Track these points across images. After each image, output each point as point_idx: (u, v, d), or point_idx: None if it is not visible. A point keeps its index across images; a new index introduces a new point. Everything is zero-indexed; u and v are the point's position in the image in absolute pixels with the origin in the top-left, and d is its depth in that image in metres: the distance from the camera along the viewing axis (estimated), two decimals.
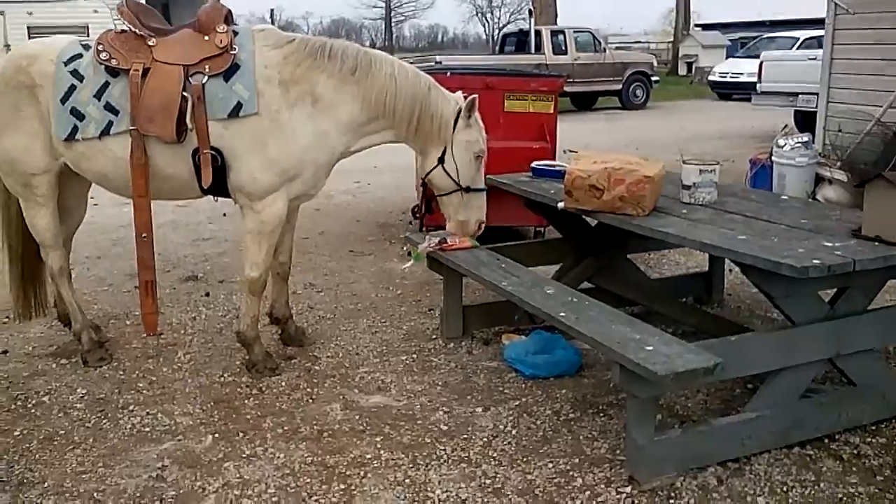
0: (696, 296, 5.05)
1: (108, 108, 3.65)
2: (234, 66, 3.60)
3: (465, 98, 3.89)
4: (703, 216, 3.63)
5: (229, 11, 3.80)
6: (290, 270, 4.37)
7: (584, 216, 3.96)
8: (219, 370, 4.07)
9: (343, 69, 3.71)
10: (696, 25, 40.03)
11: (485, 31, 60.83)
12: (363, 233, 7.11)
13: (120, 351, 4.34)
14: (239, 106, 3.57)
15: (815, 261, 2.82)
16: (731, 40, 35.29)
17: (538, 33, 19.06)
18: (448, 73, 6.15)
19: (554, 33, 19.26)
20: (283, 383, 3.91)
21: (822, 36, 20.18)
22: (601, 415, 3.56)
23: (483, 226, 4.13)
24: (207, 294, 5.29)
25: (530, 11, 21.25)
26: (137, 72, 3.58)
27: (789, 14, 36.30)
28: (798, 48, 18.32)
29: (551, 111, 6.26)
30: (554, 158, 6.21)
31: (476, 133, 3.93)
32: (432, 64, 15.11)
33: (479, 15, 53.61)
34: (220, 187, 3.74)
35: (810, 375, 3.27)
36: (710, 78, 23.67)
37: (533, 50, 18.84)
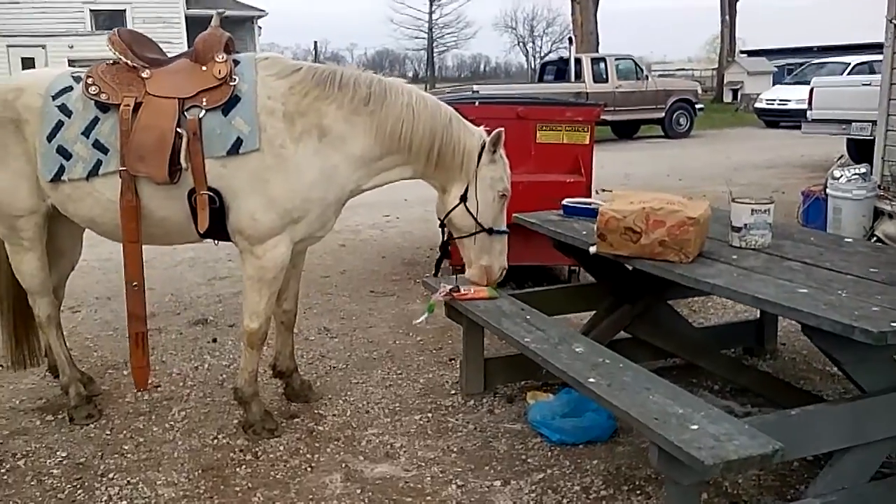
0: (746, 346, 4.56)
1: (97, 146, 3.33)
2: (234, 99, 3.27)
3: (489, 131, 3.52)
4: (756, 263, 3.17)
5: (230, 39, 3.47)
6: (295, 319, 3.99)
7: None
8: (213, 430, 3.70)
9: (355, 99, 3.37)
10: (742, 52, 39.24)
11: (526, 60, 60.70)
12: (387, 271, 6.73)
13: (111, 406, 3.99)
14: (239, 142, 3.23)
15: (893, 324, 2.34)
16: (777, 67, 34.49)
17: (578, 61, 18.66)
18: (476, 103, 5.78)
19: (594, 61, 18.84)
20: (282, 447, 3.51)
21: (875, 61, 19.60)
22: (637, 492, 3.09)
23: (505, 272, 3.72)
24: (215, 340, 4.95)
25: (570, 39, 20.91)
26: (128, 107, 3.26)
27: (836, 40, 35.50)
28: (849, 74, 17.68)
29: (587, 142, 5.83)
30: (589, 193, 5.79)
31: (501, 170, 3.57)
32: (469, 93, 14.84)
33: (521, 45, 53.52)
34: (218, 230, 3.40)
35: (883, 454, 2.78)
36: (757, 105, 23.03)
37: (573, 78, 18.45)
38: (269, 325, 3.59)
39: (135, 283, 3.50)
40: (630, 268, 3.78)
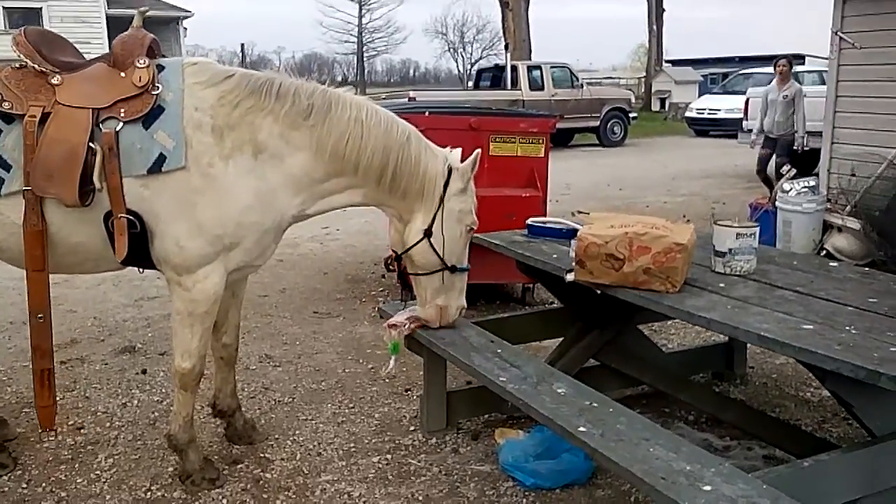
0: (716, 370, 4.36)
1: (0, 162, 2.88)
2: (157, 110, 2.85)
3: (454, 151, 3.19)
4: (748, 293, 2.94)
5: (154, 41, 3.04)
6: (236, 353, 3.58)
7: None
8: (146, 481, 3.28)
9: (293, 111, 2.96)
10: (667, 61, 39.99)
11: (457, 66, 60.66)
12: (330, 289, 6.34)
13: (29, 453, 3.52)
14: (162, 159, 2.82)
15: None
16: (702, 76, 35.26)
17: (514, 69, 18.57)
18: (426, 113, 5.46)
19: (530, 69, 18.79)
20: (225, 500, 3.13)
21: (800, 72, 20.05)
22: None
23: (464, 311, 3.41)
24: (144, 371, 4.49)
25: (506, 46, 20.81)
26: (34, 118, 2.80)
27: (755, 51, 36.47)
28: None
29: (542, 155, 5.59)
30: (545, 207, 5.55)
31: (470, 201, 3.21)
32: (405, 101, 14.53)
33: (451, 50, 53.41)
34: (142, 258, 2.98)
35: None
36: (687, 114, 23.37)
37: (509, 86, 18.34)
38: (204, 364, 3.17)
39: (40, 316, 3.04)
40: (599, 291, 3.52)
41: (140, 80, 2.87)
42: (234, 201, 2.90)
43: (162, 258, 2.96)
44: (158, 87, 2.87)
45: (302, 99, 2.98)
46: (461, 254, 3.25)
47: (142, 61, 2.90)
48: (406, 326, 3.37)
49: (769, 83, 18.79)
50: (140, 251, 2.92)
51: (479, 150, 3.19)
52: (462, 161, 3.18)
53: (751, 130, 12.67)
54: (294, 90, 2.99)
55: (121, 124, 2.82)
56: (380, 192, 3.10)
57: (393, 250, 3.32)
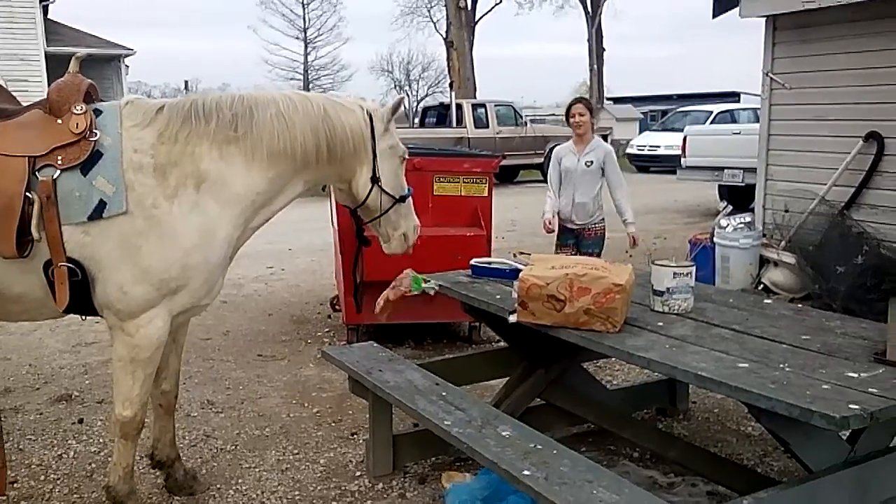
0: (660, 406, 4.42)
1: None
2: (96, 155, 2.81)
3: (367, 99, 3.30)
4: (685, 332, 3.00)
5: (91, 86, 3.00)
6: (176, 401, 3.51)
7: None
8: None
9: (221, 127, 2.96)
10: (608, 99, 40.93)
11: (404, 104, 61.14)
12: (275, 330, 6.26)
13: None
14: (102, 205, 2.78)
15: (852, 406, 2.19)
16: (642, 113, 36.17)
17: (459, 107, 18.79)
18: None
19: (475, 107, 19.04)
20: None
21: (735, 109, 20.66)
22: None
23: (419, 229, 3.56)
24: (81, 420, 4.35)
25: (451, 84, 21.06)
26: None
27: (691, 89, 37.63)
28: (712, 121, 18.60)
29: (486, 194, 5.65)
30: (490, 246, 5.59)
31: (395, 135, 3.37)
32: None
33: (398, 88, 53.81)
34: (84, 305, 2.92)
35: None
36: (628, 151, 23.86)
37: (454, 123, 18.53)
38: (145, 412, 3.11)
39: None
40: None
41: (77, 126, 2.83)
42: (180, 242, 2.87)
43: (104, 304, 2.90)
44: (96, 134, 2.83)
45: (225, 111, 3.00)
46: (402, 182, 3.43)
47: (79, 107, 2.87)
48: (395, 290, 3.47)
49: (705, 121, 19.31)
50: (82, 298, 2.86)
51: (401, 97, 3.46)
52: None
53: (689, 167, 13.11)
54: (216, 105, 3.01)
55: (58, 172, 2.77)
56: (319, 169, 3.19)
57: (346, 206, 3.48)
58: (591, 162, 5.64)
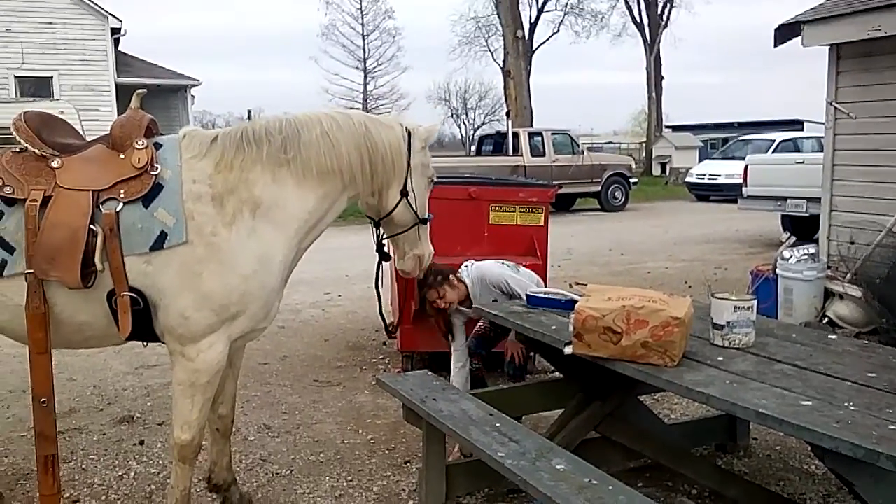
0: (720, 442, 4.31)
1: (2, 244, 2.88)
2: (156, 188, 2.90)
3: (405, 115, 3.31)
4: (746, 367, 2.93)
5: (152, 121, 3.11)
6: (232, 425, 3.56)
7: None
8: None
9: (272, 151, 3.04)
10: (667, 126, 40.56)
11: (460, 131, 61.40)
12: (331, 356, 6.32)
13: None
14: (164, 236, 2.86)
15: None
16: (702, 141, 35.72)
17: (515, 135, 18.82)
18: None
19: (531, 135, 19.06)
20: None
21: (799, 138, 20.26)
22: None
23: (432, 255, 3.60)
24: (142, 442, 4.45)
25: (508, 113, 21.13)
26: (35, 202, 2.83)
27: (750, 116, 37.07)
28: (774, 150, 18.27)
29: (542, 223, 5.64)
30: (546, 275, 5.57)
31: (428, 155, 3.43)
32: None
33: (455, 116, 54.25)
34: (145, 332, 3.00)
35: None
36: (688, 179, 23.56)
37: (511, 152, 18.57)
38: (203, 436, 3.17)
39: (43, 400, 3.00)
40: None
41: (139, 161, 2.92)
42: (239, 269, 2.94)
43: (166, 330, 2.97)
44: (157, 168, 2.93)
45: (275, 136, 3.07)
46: (426, 204, 3.48)
47: (140, 143, 2.97)
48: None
49: (767, 150, 18.97)
50: (143, 325, 2.94)
51: (437, 123, 3.54)
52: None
53: (751, 197, 12.85)
54: (265, 130, 3.09)
55: (121, 205, 2.86)
56: (362, 185, 3.24)
57: (370, 218, 3.50)
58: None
